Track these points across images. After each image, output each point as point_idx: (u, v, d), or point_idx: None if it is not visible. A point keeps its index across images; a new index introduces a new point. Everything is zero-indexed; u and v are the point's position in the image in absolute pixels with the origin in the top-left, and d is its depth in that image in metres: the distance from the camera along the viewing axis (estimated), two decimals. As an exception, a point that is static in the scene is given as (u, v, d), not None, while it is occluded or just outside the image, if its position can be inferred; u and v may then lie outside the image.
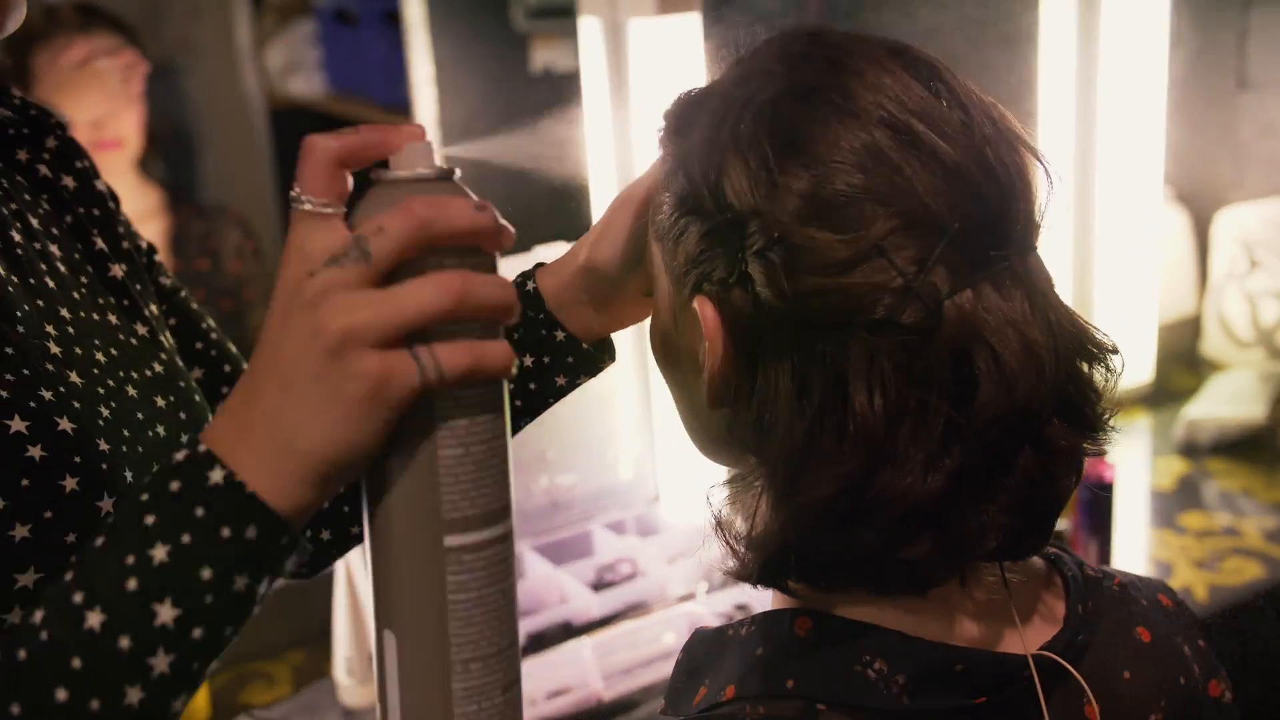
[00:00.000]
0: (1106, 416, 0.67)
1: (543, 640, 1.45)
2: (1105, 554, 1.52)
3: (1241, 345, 2.10)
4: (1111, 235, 2.07)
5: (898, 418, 0.60)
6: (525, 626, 1.46)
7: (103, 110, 1.93)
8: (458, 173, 0.60)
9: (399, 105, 2.31)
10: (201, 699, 1.40)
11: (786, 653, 0.67)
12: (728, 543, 0.67)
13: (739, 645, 0.70)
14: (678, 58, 1.64)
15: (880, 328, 0.60)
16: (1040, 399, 0.61)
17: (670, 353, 0.71)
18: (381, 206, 0.57)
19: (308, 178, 0.58)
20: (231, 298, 2.08)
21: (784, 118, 0.63)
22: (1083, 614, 0.70)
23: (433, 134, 2.04)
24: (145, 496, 0.55)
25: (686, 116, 0.67)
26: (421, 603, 0.57)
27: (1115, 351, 0.68)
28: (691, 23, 1.63)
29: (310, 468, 0.55)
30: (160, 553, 0.54)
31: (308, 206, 0.57)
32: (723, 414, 0.67)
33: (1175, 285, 2.23)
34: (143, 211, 2.03)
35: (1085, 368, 0.66)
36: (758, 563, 0.66)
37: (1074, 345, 0.65)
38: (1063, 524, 1.63)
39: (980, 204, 0.61)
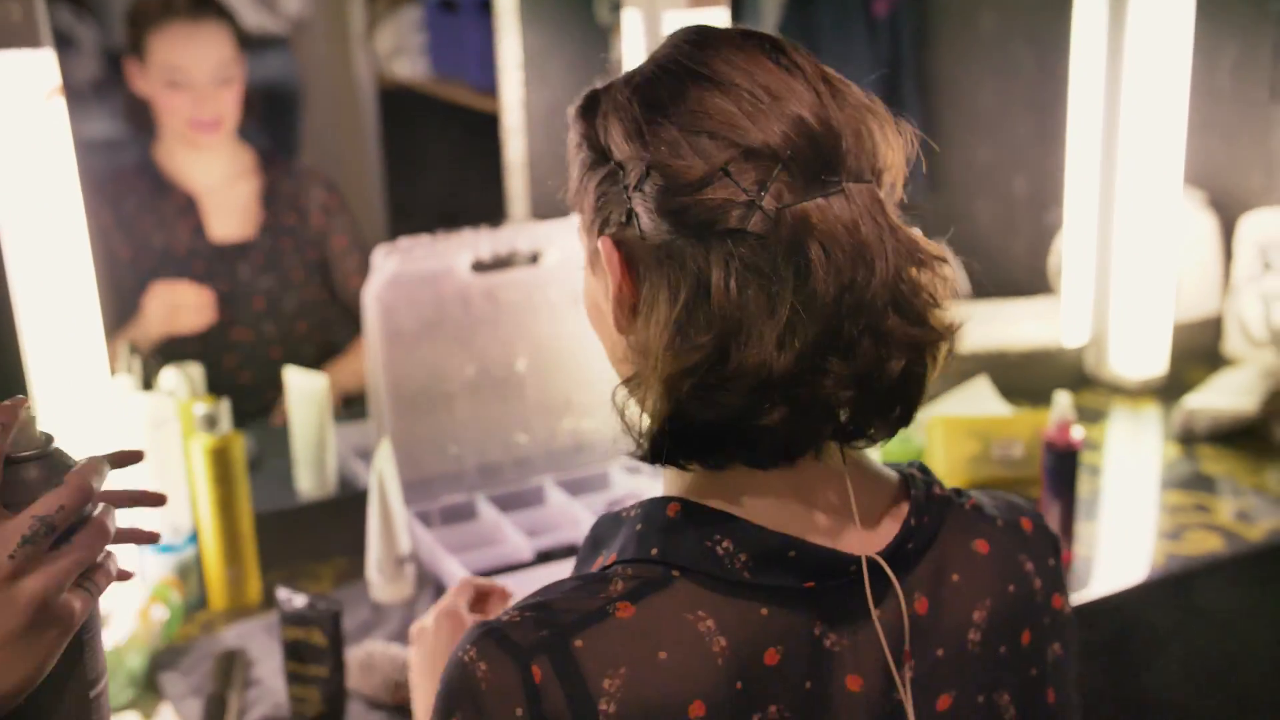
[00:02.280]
0: (946, 318, 0.81)
1: (550, 555, 1.65)
2: (1069, 516, 1.65)
3: (1256, 344, 2.20)
4: (1132, 236, 2.19)
5: (750, 304, 0.76)
6: (540, 543, 1.66)
7: (203, 94, 2.10)
8: (55, 438, 0.80)
9: (491, 89, 2.51)
10: (254, 587, 1.63)
11: (657, 529, 0.82)
12: (629, 431, 0.83)
13: (627, 524, 0.85)
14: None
15: (733, 235, 0.76)
16: (873, 291, 0.76)
17: (593, 308, 0.89)
18: (36, 484, 0.76)
19: None
20: (317, 248, 2.29)
21: (654, 86, 0.81)
22: (916, 525, 0.85)
23: (518, 118, 2.24)
24: None
25: (588, 101, 0.86)
26: None
27: (944, 260, 0.82)
28: (720, 16, 1.80)
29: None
30: None
31: None
32: (628, 337, 0.84)
33: (1201, 286, 2.33)
34: (236, 172, 2.23)
35: (916, 272, 0.80)
36: (649, 444, 0.82)
37: (905, 251, 0.79)
38: (1034, 490, 1.77)
39: (812, 142, 0.77)
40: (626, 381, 0.84)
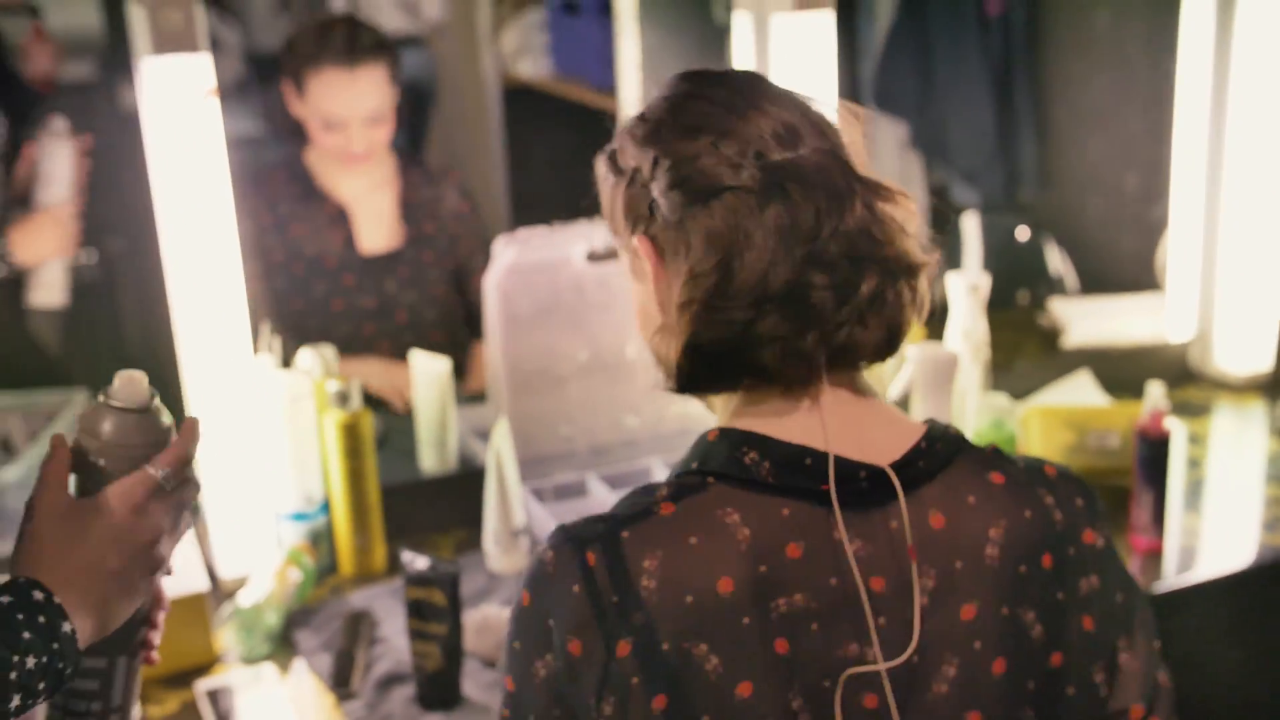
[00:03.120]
0: (915, 246, 0.96)
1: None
2: (1160, 504, 1.69)
3: (1366, 342, 2.19)
4: (1238, 233, 2.20)
5: (745, 233, 0.93)
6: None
7: (357, 134, 2.16)
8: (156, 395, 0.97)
9: (610, 88, 2.61)
10: (380, 555, 1.75)
11: (699, 450, 0.97)
12: (663, 371, 1.00)
13: (689, 453, 0.99)
14: (813, 52, 1.89)
15: (730, 190, 0.93)
16: (846, 220, 0.93)
17: (641, 314, 1.03)
18: (146, 432, 0.95)
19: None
20: (452, 255, 2.33)
21: (653, 110, 1.00)
22: (927, 449, 0.96)
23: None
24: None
25: (608, 149, 1.03)
26: None
27: (905, 195, 0.97)
28: (826, 19, 1.87)
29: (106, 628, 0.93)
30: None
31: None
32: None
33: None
34: (380, 181, 2.29)
35: (884, 205, 0.95)
36: (675, 374, 0.98)
37: (872, 189, 0.95)
38: (1125, 480, 1.80)
39: (782, 125, 0.96)
40: (657, 332, 1.00)
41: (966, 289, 1.95)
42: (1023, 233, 2.92)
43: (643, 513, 0.93)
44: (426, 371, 1.90)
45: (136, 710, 1.03)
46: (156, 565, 0.96)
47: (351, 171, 2.25)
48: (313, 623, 1.62)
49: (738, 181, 0.93)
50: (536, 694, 0.92)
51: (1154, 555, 1.71)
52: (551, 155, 3.49)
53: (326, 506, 1.75)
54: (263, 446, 1.70)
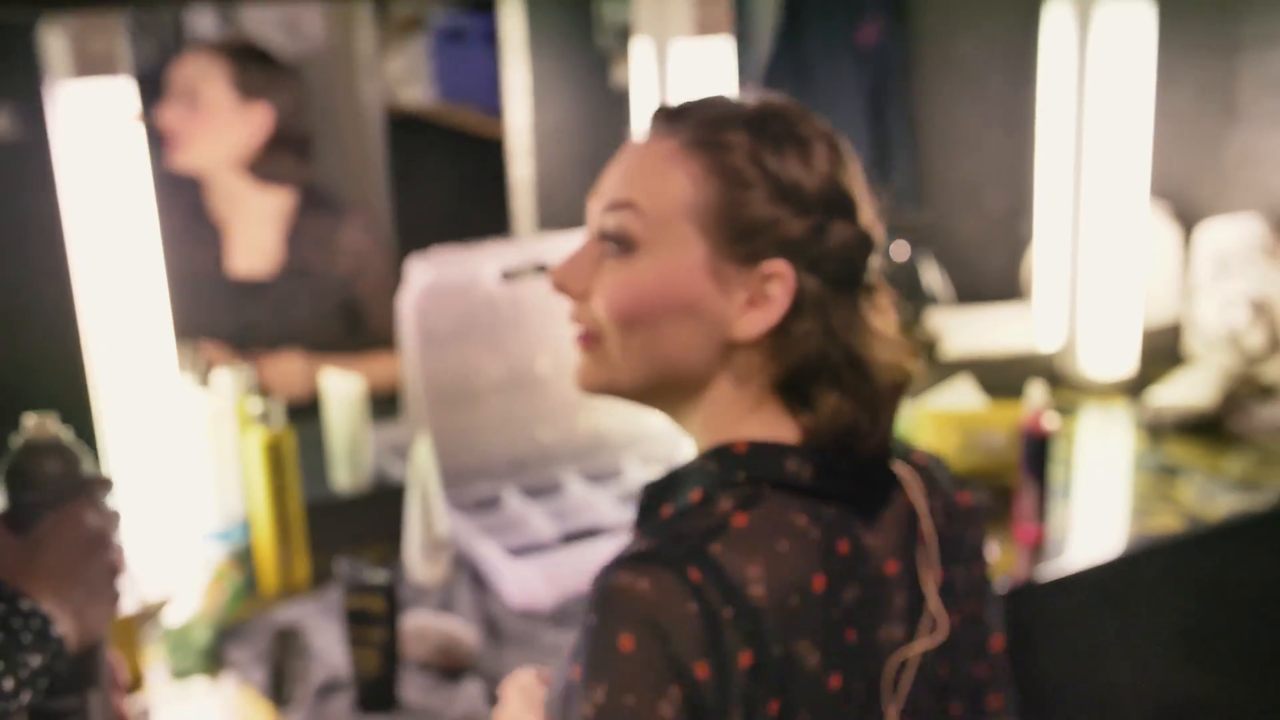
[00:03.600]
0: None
1: (572, 537, 1.81)
2: (1043, 496, 1.82)
3: (1213, 346, 2.38)
4: (1100, 246, 2.37)
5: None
6: (564, 527, 1.82)
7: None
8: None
9: (498, 113, 2.67)
10: (303, 570, 1.78)
11: (736, 462, 0.98)
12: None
13: (695, 473, 1.00)
14: (712, 76, 1.99)
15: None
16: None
17: (668, 309, 0.98)
18: (68, 462, 1.02)
19: None
20: (341, 292, 2.31)
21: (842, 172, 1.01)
22: (927, 467, 1.06)
23: (526, 140, 2.39)
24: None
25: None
26: None
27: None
28: (723, 45, 1.98)
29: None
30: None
31: None
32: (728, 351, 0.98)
33: (1164, 292, 2.51)
34: (266, 212, 2.29)
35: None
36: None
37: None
38: (1009, 479, 1.93)
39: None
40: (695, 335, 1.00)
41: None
42: (900, 250, 3.07)
43: (718, 527, 0.93)
44: (339, 391, 1.94)
45: None
46: (115, 569, 1.01)
47: (225, 184, 2.25)
48: (243, 638, 1.64)
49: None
50: None
51: (1037, 545, 1.84)
52: (437, 183, 3.54)
53: (246, 525, 1.77)
54: (184, 466, 1.72)
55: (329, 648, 1.60)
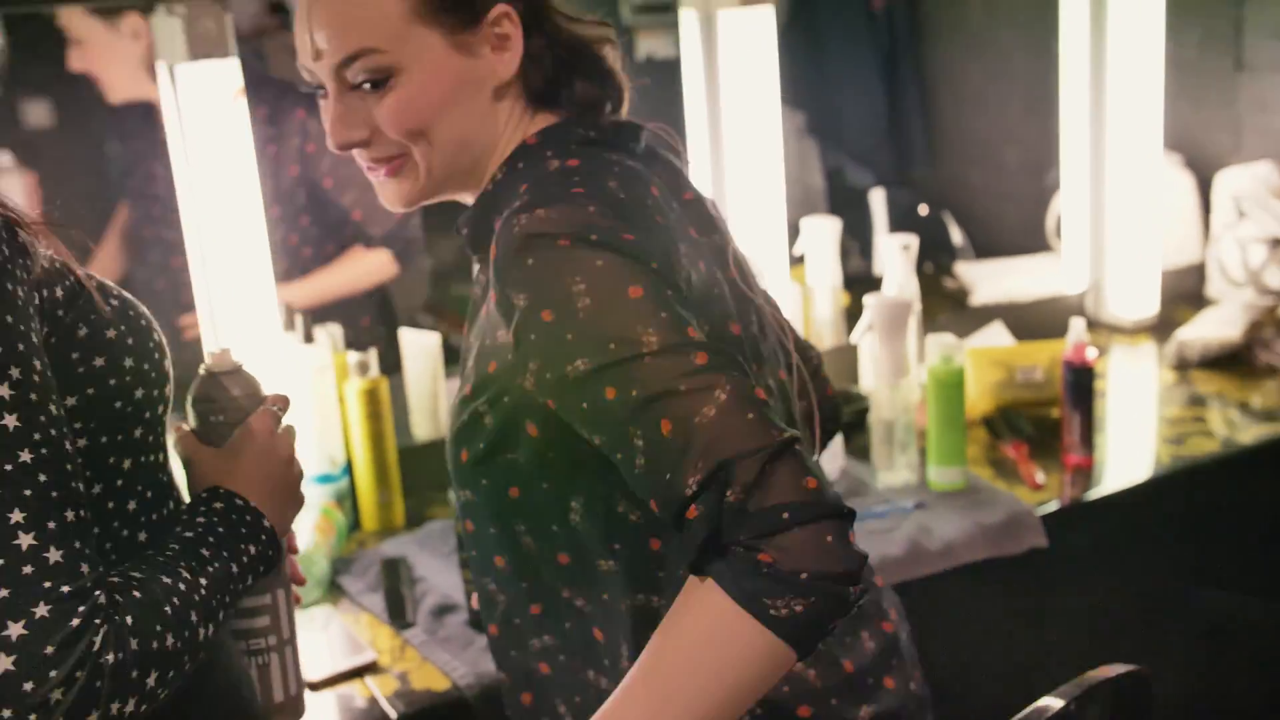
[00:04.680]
0: None
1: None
2: (1087, 425, 1.95)
3: (1235, 285, 2.51)
4: (1121, 195, 2.50)
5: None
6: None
7: None
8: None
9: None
10: (399, 509, 1.90)
11: (534, 150, 1.13)
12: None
13: (505, 178, 1.13)
14: (757, 44, 2.10)
15: None
16: None
17: (446, 101, 1.09)
18: (248, 385, 1.12)
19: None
20: None
21: None
22: None
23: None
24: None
25: None
26: None
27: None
28: (767, 13, 2.09)
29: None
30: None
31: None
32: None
33: (1183, 237, 2.64)
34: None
35: None
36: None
37: None
38: (1055, 408, 2.06)
39: None
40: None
41: (899, 249, 2.18)
42: (923, 208, 3.20)
43: (562, 172, 1.09)
44: (416, 344, 2.06)
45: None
46: (299, 475, 1.12)
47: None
48: (352, 571, 1.77)
49: None
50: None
51: (1084, 470, 1.97)
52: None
53: (349, 468, 1.90)
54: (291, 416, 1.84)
55: (435, 575, 1.73)
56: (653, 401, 0.94)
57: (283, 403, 1.13)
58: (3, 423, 0.83)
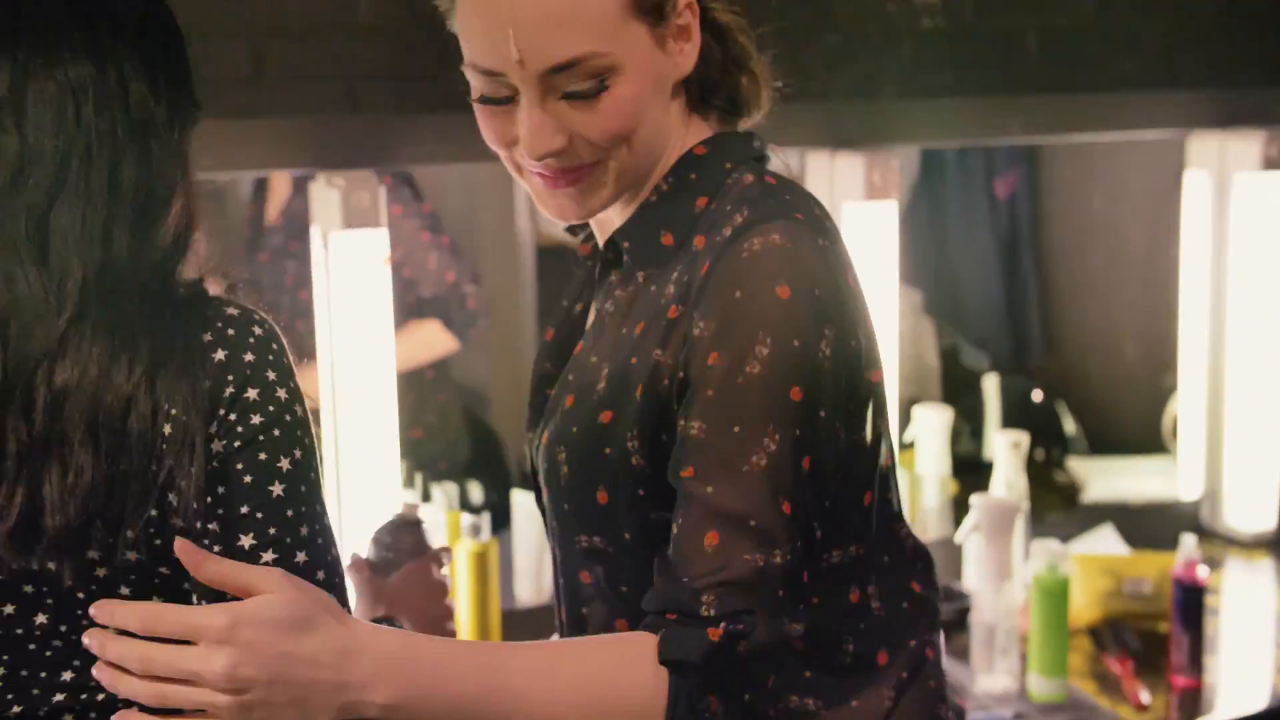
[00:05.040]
0: None
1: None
2: (1197, 646, 1.91)
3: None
4: (1242, 400, 2.47)
5: None
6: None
7: None
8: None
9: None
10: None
11: (707, 159, 1.11)
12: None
13: (676, 188, 1.10)
14: (884, 236, 2.16)
15: None
16: None
17: (652, 102, 1.04)
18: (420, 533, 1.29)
19: None
20: None
21: None
22: None
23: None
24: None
25: None
26: None
27: None
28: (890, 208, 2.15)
29: None
30: None
31: None
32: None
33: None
34: None
35: None
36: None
37: None
38: (1163, 623, 2.02)
39: None
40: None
41: (1009, 445, 2.19)
42: (1037, 395, 3.19)
43: (765, 189, 1.08)
44: (527, 508, 2.11)
45: None
46: (450, 612, 1.25)
47: None
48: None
49: None
50: None
51: (1192, 693, 1.92)
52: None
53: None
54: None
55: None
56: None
57: (446, 554, 1.25)
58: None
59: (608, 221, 1.11)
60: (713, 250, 1.01)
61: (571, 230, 1.23)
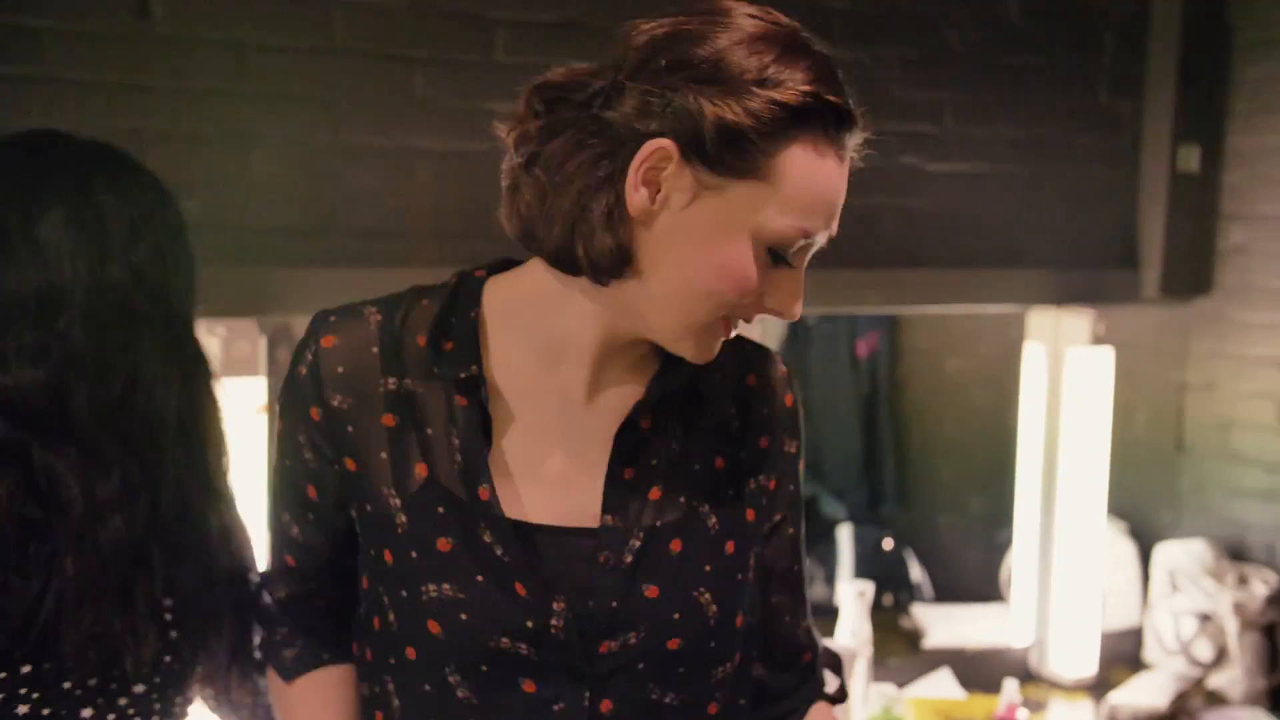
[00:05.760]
0: None
1: None
2: (1013, 782, 2.07)
3: (1168, 653, 2.66)
4: (1067, 557, 2.68)
5: None
6: None
7: None
8: None
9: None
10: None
11: None
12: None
13: None
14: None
15: None
16: None
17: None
18: None
19: None
20: None
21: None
22: None
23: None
24: None
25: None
26: None
27: None
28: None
29: None
30: None
31: None
32: None
33: (1124, 601, 2.81)
34: None
35: None
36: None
37: None
38: (988, 760, 2.18)
39: None
40: None
41: (855, 594, 2.35)
42: (888, 543, 3.38)
43: None
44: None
45: None
46: None
47: None
48: None
49: None
50: None
51: (1008, 826, 2.08)
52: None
53: None
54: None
55: None
56: None
57: None
58: None
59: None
60: (784, 377, 1.29)
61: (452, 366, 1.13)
